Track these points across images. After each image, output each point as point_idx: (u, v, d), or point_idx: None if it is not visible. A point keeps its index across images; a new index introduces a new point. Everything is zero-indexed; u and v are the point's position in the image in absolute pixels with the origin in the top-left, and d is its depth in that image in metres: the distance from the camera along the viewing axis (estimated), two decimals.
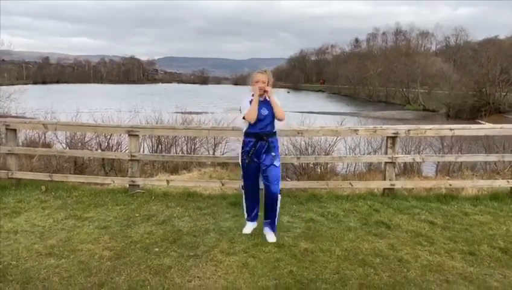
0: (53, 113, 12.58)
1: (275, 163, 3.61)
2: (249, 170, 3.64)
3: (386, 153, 5.18)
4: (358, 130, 5.27)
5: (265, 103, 3.59)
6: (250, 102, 3.57)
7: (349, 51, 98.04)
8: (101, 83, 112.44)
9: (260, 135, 3.59)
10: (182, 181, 6.03)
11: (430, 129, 5.30)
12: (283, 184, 4.38)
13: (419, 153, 9.71)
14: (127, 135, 5.38)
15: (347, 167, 10.02)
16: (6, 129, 5.35)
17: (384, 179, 5.19)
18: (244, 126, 3.66)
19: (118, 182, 5.40)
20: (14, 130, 5.41)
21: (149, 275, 2.97)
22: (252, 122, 3.55)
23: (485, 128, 5.91)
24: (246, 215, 3.84)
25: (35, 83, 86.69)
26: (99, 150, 8.81)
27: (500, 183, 5.39)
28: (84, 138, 9.27)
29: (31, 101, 21.01)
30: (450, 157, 7.35)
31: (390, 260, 3.27)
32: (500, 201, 4.92)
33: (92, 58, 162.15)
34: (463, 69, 46.81)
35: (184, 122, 11.54)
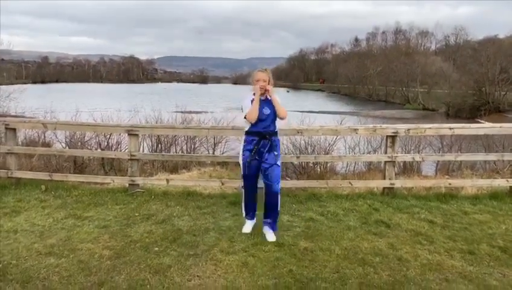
0: (52, 113, 12.56)
1: (277, 162, 3.61)
2: (250, 169, 3.63)
3: (385, 152, 5.18)
4: (358, 129, 5.28)
5: (267, 102, 3.59)
6: (252, 101, 3.57)
7: (349, 50, 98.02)
8: (101, 82, 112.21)
9: (263, 133, 3.59)
10: (181, 180, 6.03)
11: (430, 128, 5.31)
12: (283, 183, 4.38)
13: (418, 152, 9.71)
14: (126, 135, 5.38)
15: (347, 166, 10.02)
16: (6, 128, 5.35)
17: (384, 178, 5.19)
18: (246, 125, 3.65)
19: (117, 181, 5.40)
20: (14, 130, 5.41)
21: (149, 274, 2.97)
22: (253, 122, 3.55)
23: (484, 127, 5.92)
24: (244, 214, 3.83)
25: (34, 82, 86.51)
26: (99, 150, 8.81)
27: (500, 183, 5.39)
28: (84, 137, 9.25)
29: (30, 101, 20.98)
30: (449, 157, 7.36)
31: (389, 259, 3.27)
32: (500, 200, 4.93)
33: (92, 57, 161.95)
34: (463, 68, 46.82)
35: (184, 122, 11.52)
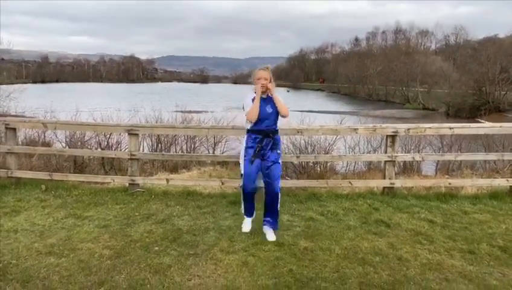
0: (52, 112, 12.55)
1: (279, 160, 3.62)
2: (251, 168, 3.59)
3: (385, 151, 5.18)
4: (358, 129, 5.28)
5: (269, 101, 3.58)
6: (253, 100, 3.56)
7: (349, 50, 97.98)
8: (101, 82, 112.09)
9: (266, 132, 3.59)
10: (181, 180, 6.03)
11: (430, 128, 5.31)
12: (283, 183, 4.38)
13: (418, 152, 9.70)
14: (126, 134, 5.38)
15: (347, 166, 10.01)
16: (6, 128, 5.35)
17: (384, 178, 5.19)
18: (247, 124, 3.64)
19: (117, 181, 5.40)
20: (14, 129, 5.41)
21: (149, 273, 2.97)
22: (253, 121, 3.55)
23: (484, 127, 5.93)
24: (243, 212, 3.79)
25: (34, 82, 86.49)
26: (99, 149, 8.81)
27: (500, 182, 5.39)
28: (84, 137, 9.25)
29: (30, 100, 20.97)
30: (449, 156, 7.36)
31: (389, 259, 3.27)
32: (500, 200, 4.93)
33: (92, 57, 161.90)
34: (463, 68, 46.78)
35: (184, 121, 11.50)
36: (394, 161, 5.19)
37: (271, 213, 3.67)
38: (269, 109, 3.57)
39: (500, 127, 5.38)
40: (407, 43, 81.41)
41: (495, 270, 3.12)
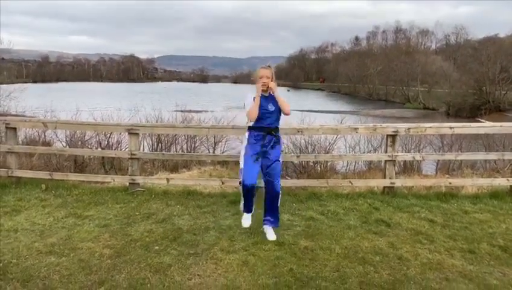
0: (53, 112, 12.54)
1: (279, 159, 3.61)
2: (252, 164, 3.54)
3: (386, 151, 5.18)
4: (358, 128, 5.28)
5: (271, 99, 3.58)
6: (254, 98, 3.56)
7: (349, 49, 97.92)
8: (101, 81, 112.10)
9: (268, 129, 3.58)
10: (182, 179, 6.03)
11: (430, 127, 5.30)
12: (283, 182, 4.38)
13: (419, 152, 9.68)
14: (127, 134, 5.38)
15: (347, 166, 9.99)
16: (6, 128, 5.35)
17: (384, 178, 5.19)
18: (248, 122, 3.63)
19: (118, 180, 5.40)
20: (14, 129, 5.41)
21: (149, 273, 2.97)
22: (253, 120, 3.55)
23: (485, 126, 5.92)
24: (242, 208, 3.75)
25: (34, 81, 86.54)
26: (99, 149, 8.80)
27: (500, 182, 5.39)
28: (84, 136, 9.23)
29: (30, 100, 20.96)
30: (450, 156, 7.35)
31: (390, 258, 3.27)
32: (500, 199, 4.93)
33: (92, 56, 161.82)
34: (463, 68, 46.76)
35: (184, 121, 11.48)
36: (394, 161, 5.19)
37: (271, 212, 3.66)
38: (271, 107, 3.57)
39: (501, 126, 5.37)
40: (408, 43, 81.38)
41: (495, 270, 3.12)
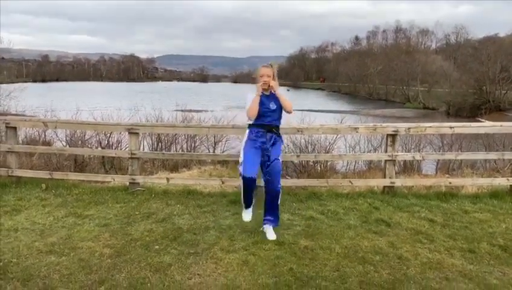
0: (53, 111, 12.55)
1: (279, 157, 3.61)
2: (252, 155, 3.52)
3: (386, 151, 5.18)
4: (358, 128, 5.28)
5: (272, 98, 3.58)
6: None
7: (349, 49, 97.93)
8: (101, 81, 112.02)
9: (269, 126, 3.58)
10: (182, 179, 6.03)
11: (430, 127, 5.31)
12: (283, 182, 4.38)
13: (419, 151, 9.69)
14: (127, 133, 5.38)
15: (347, 165, 9.99)
16: (7, 127, 5.35)
17: (384, 177, 5.19)
18: (249, 120, 3.62)
19: (118, 180, 5.41)
20: (14, 128, 5.41)
21: (149, 272, 2.97)
22: (253, 118, 3.55)
23: (485, 126, 5.91)
24: (242, 202, 3.73)
25: (34, 81, 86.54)
26: (100, 148, 8.80)
27: (500, 181, 5.39)
28: (84, 136, 9.24)
29: (30, 99, 20.96)
30: (450, 156, 7.35)
31: (390, 258, 3.27)
32: (500, 199, 4.93)
33: (92, 56, 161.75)
34: (463, 67, 46.79)
35: (184, 120, 11.48)
36: (394, 160, 5.19)
37: (271, 211, 3.65)
38: (273, 106, 3.56)
39: (501, 126, 5.37)
40: (408, 42, 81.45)
41: (495, 269, 3.12)
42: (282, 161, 3.92)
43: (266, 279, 2.90)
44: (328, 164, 9.15)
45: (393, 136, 5.09)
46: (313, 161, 8.60)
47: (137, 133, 5.23)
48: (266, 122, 3.57)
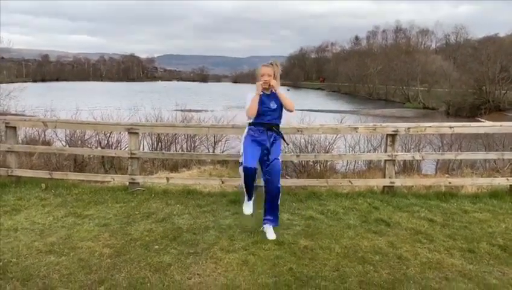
0: (53, 111, 12.57)
1: (279, 157, 3.61)
2: (253, 147, 3.53)
3: (385, 151, 5.18)
4: (358, 128, 5.28)
5: (273, 97, 3.57)
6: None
7: (349, 49, 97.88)
8: (101, 80, 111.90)
9: (269, 125, 3.58)
10: (181, 179, 6.03)
11: (430, 127, 5.31)
12: (283, 182, 4.38)
13: (419, 151, 9.69)
14: (126, 133, 5.38)
15: (347, 165, 10.00)
16: (6, 127, 5.35)
17: (384, 177, 5.19)
18: (249, 119, 3.62)
19: (117, 179, 5.40)
20: (14, 128, 5.41)
21: (149, 272, 2.97)
22: (252, 117, 3.54)
23: (484, 126, 5.92)
24: (244, 194, 3.73)
25: (34, 80, 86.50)
26: (99, 148, 8.80)
27: (500, 181, 5.39)
28: (84, 135, 9.24)
29: (30, 99, 20.95)
30: (449, 155, 7.35)
31: (389, 258, 3.27)
32: (500, 199, 4.93)
33: (92, 56, 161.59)
34: (463, 67, 46.78)
35: (184, 120, 11.48)
36: (394, 160, 5.19)
37: (271, 211, 3.65)
38: (273, 105, 3.56)
39: (500, 126, 5.37)
40: (408, 42, 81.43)
41: (495, 269, 3.12)
42: (282, 161, 3.92)
43: (266, 279, 2.90)
44: (328, 163, 9.15)
45: (393, 136, 5.09)
46: (313, 161, 8.60)
47: (137, 133, 5.23)
48: (266, 120, 3.57)
